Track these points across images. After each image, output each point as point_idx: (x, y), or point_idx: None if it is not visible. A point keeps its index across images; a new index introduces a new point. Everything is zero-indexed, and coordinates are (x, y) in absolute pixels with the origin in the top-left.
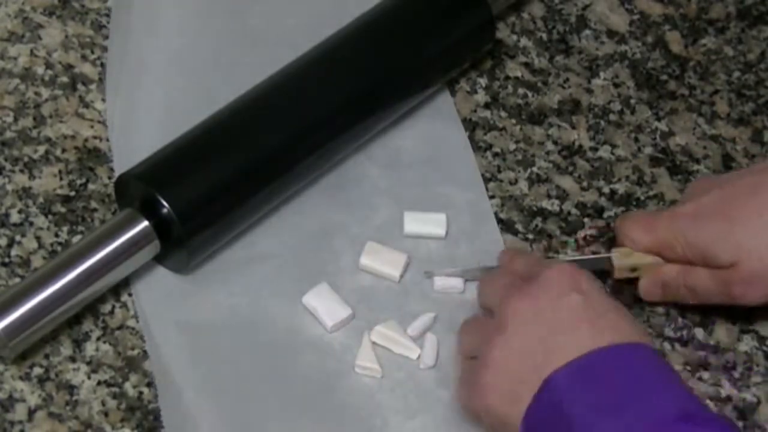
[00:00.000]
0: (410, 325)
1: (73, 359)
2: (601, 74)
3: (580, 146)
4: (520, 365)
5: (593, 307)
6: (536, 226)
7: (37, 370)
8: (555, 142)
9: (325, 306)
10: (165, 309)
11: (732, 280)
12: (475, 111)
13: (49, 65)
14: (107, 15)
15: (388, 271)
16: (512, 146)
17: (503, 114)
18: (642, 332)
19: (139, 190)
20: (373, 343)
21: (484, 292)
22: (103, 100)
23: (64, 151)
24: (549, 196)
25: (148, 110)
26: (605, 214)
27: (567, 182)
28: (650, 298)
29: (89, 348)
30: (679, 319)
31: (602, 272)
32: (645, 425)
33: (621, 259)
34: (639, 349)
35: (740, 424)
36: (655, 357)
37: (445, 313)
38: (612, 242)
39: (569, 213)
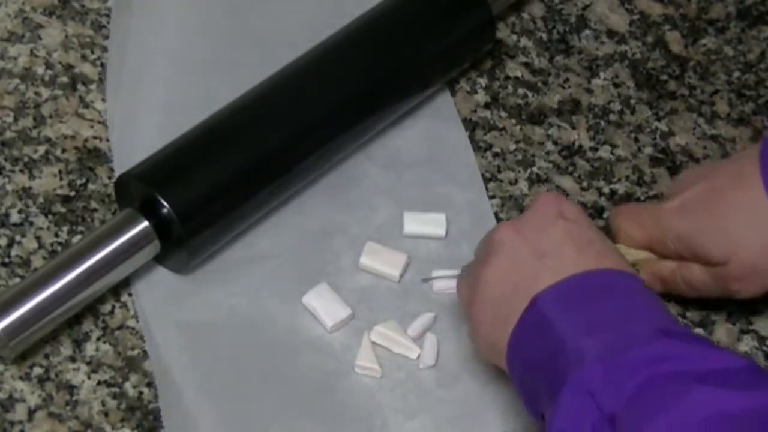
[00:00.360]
0: (410, 325)
1: (73, 359)
2: (601, 74)
3: (580, 146)
4: (506, 289)
5: (579, 235)
6: None
7: (37, 370)
8: (555, 142)
9: (325, 306)
10: (165, 309)
11: (727, 277)
12: (475, 111)
13: (49, 65)
14: (107, 15)
15: (388, 271)
16: (512, 146)
17: (503, 114)
18: (625, 263)
19: (139, 190)
20: (373, 343)
21: (478, 245)
22: (103, 100)
23: (64, 151)
24: None
25: (148, 110)
26: (605, 214)
27: (567, 182)
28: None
29: (89, 348)
30: (679, 319)
31: None
32: (625, 340)
33: None
34: (623, 276)
35: None
36: (639, 283)
37: (445, 313)
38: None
39: None
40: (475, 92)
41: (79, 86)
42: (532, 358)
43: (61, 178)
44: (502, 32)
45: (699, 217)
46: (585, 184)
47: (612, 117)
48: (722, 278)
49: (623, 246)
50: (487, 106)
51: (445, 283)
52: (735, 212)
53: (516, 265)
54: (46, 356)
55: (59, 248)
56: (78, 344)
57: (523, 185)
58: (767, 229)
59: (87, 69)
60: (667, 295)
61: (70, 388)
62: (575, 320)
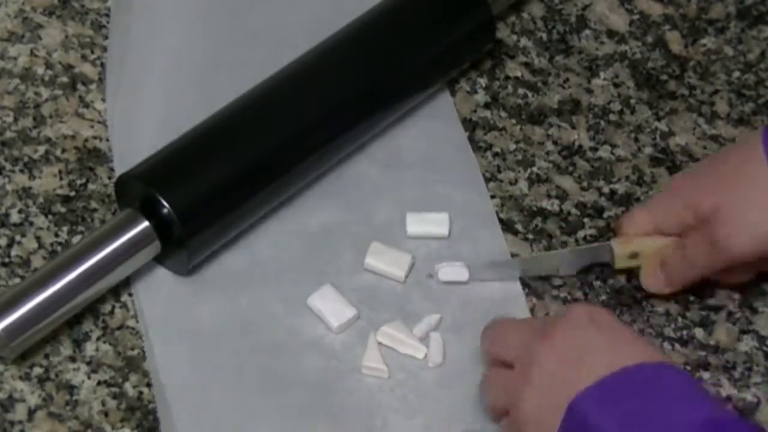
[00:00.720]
0: (415, 326)
1: (73, 359)
2: (601, 74)
3: (580, 146)
4: (546, 402)
5: (611, 334)
6: (536, 226)
7: (37, 370)
8: (555, 142)
9: (330, 307)
10: (165, 309)
11: (714, 224)
12: (475, 111)
13: (49, 65)
14: (107, 15)
15: (394, 271)
16: (512, 146)
17: (503, 114)
18: (660, 353)
19: (139, 190)
20: (379, 343)
21: (498, 343)
22: (103, 100)
23: (64, 151)
24: (549, 196)
25: (148, 110)
26: (605, 214)
27: (567, 182)
28: (652, 286)
29: (89, 348)
30: (679, 319)
31: (601, 277)
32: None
33: (621, 246)
34: (662, 367)
35: None
36: (679, 372)
37: (449, 314)
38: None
39: (569, 213)
40: (475, 92)
41: (79, 86)
42: None
43: (61, 178)
44: (502, 32)
45: (702, 180)
46: (585, 184)
47: (612, 117)
48: (710, 228)
49: (626, 236)
50: (487, 106)
51: (450, 271)
52: (732, 169)
53: (554, 376)
54: (46, 356)
55: (59, 248)
56: (78, 344)
57: (523, 185)
58: (761, 184)
59: (87, 69)
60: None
61: (70, 388)
62: (615, 417)
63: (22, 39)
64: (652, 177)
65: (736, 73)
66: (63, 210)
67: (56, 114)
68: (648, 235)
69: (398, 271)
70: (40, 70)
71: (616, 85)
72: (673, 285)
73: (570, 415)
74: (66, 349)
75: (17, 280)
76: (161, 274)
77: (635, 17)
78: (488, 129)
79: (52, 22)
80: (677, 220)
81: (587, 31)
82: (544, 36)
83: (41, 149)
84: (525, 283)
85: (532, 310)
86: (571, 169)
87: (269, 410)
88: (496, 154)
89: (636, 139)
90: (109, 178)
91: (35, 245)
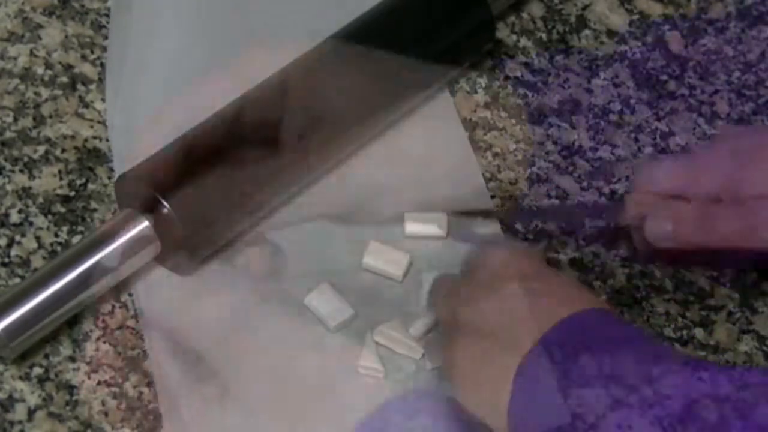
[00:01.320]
0: (412, 326)
1: (73, 359)
2: (601, 74)
3: (580, 146)
4: (484, 361)
5: (540, 289)
6: (536, 226)
7: (37, 370)
8: (555, 142)
9: (328, 306)
10: (165, 309)
11: (759, 213)
12: (475, 111)
13: (49, 65)
14: (107, 15)
15: (391, 271)
16: (512, 146)
17: (503, 114)
18: (600, 300)
19: (139, 190)
20: (376, 343)
21: (437, 309)
22: (103, 100)
23: (64, 151)
24: (549, 196)
25: (148, 110)
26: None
27: (567, 182)
28: (659, 240)
29: (89, 348)
30: (679, 319)
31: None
32: (642, 378)
33: (633, 208)
34: (607, 313)
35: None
36: (621, 320)
37: None
38: (612, 244)
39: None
40: (475, 92)
41: (79, 86)
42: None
43: (60, 178)
44: (502, 32)
45: (752, 162)
46: (585, 184)
47: (612, 117)
48: (753, 214)
49: (641, 195)
50: (487, 106)
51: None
52: None
53: (482, 340)
54: (46, 356)
55: (59, 248)
56: (78, 344)
57: (523, 185)
58: None
59: (87, 69)
60: (667, 294)
61: (70, 388)
62: (581, 368)
63: (22, 39)
64: None
65: (736, 73)
66: (63, 210)
67: (56, 114)
68: (665, 197)
69: (396, 270)
70: (40, 70)
71: (616, 85)
72: (680, 245)
73: (521, 375)
74: (66, 349)
75: (17, 280)
76: (161, 274)
77: (635, 17)
78: (488, 129)
79: (52, 22)
80: (711, 190)
81: (587, 31)
82: (544, 36)
83: (41, 149)
84: None
85: None
86: (571, 169)
87: (268, 409)
88: (496, 154)
89: (636, 139)
90: (109, 178)
91: (35, 245)
